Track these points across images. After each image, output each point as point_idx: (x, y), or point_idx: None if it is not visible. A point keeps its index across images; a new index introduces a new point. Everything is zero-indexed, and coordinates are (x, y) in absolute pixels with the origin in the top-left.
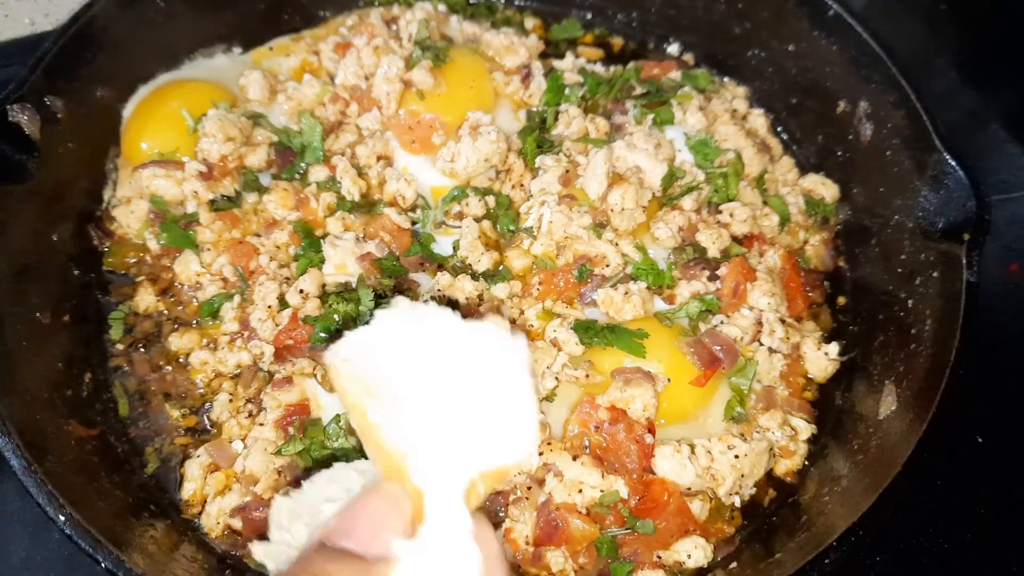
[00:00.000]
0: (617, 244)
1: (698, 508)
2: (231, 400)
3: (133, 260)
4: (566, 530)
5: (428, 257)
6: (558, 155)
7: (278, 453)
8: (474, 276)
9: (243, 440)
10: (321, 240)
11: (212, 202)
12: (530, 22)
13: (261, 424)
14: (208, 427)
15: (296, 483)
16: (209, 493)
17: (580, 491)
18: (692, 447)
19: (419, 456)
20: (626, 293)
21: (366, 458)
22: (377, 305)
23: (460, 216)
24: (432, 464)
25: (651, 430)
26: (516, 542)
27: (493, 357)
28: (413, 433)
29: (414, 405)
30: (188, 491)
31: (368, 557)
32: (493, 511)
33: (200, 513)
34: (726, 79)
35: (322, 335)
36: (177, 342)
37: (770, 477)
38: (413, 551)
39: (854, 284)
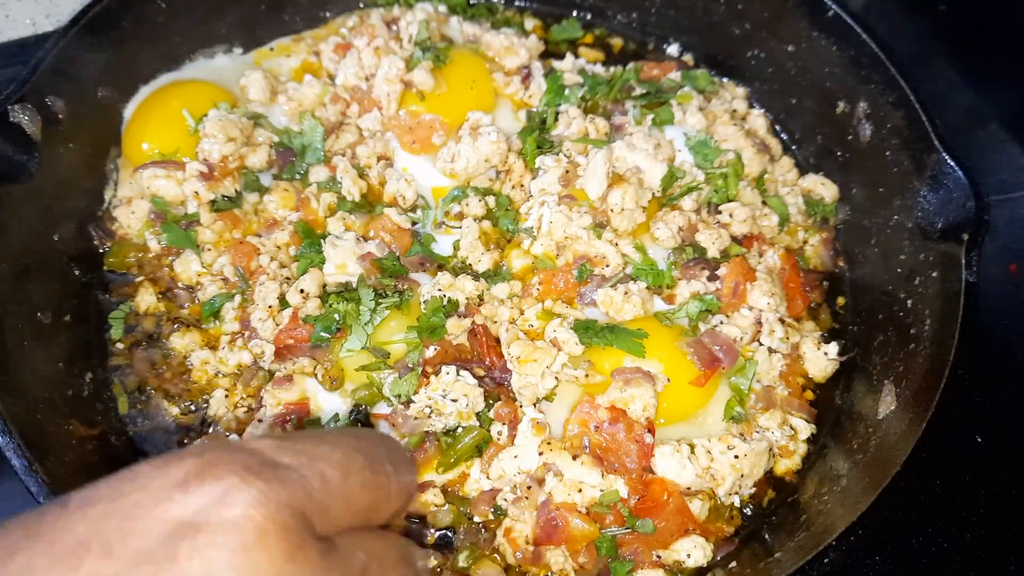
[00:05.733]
0: (617, 244)
1: (698, 508)
2: (227, 396)
3: (134, 260)
4: (566, 529)
5: (428, 257)
6: (558, 155)
7: None
8: (474, 276)
9: (239, 435)
10: (322, 240)
11: (213, 202)
12: (530, 23)
13: (260, 420)
14: (206, 424)
15: None
16: None
17: (580, 491)
18: (692, 447)
19: None
20: (626, 293)
21: None
22: (377, 305)
23: (460, 216)
24: None
25: (651, 430)
26: (516, 541)
27: None
28: None
29: None
30: None
31: None
32: (492, 510)
33: None
34: (726, 79)
35: (323, 334)
36: (178, 342)
37: (770, 477)
38: None
39: (853, 284)
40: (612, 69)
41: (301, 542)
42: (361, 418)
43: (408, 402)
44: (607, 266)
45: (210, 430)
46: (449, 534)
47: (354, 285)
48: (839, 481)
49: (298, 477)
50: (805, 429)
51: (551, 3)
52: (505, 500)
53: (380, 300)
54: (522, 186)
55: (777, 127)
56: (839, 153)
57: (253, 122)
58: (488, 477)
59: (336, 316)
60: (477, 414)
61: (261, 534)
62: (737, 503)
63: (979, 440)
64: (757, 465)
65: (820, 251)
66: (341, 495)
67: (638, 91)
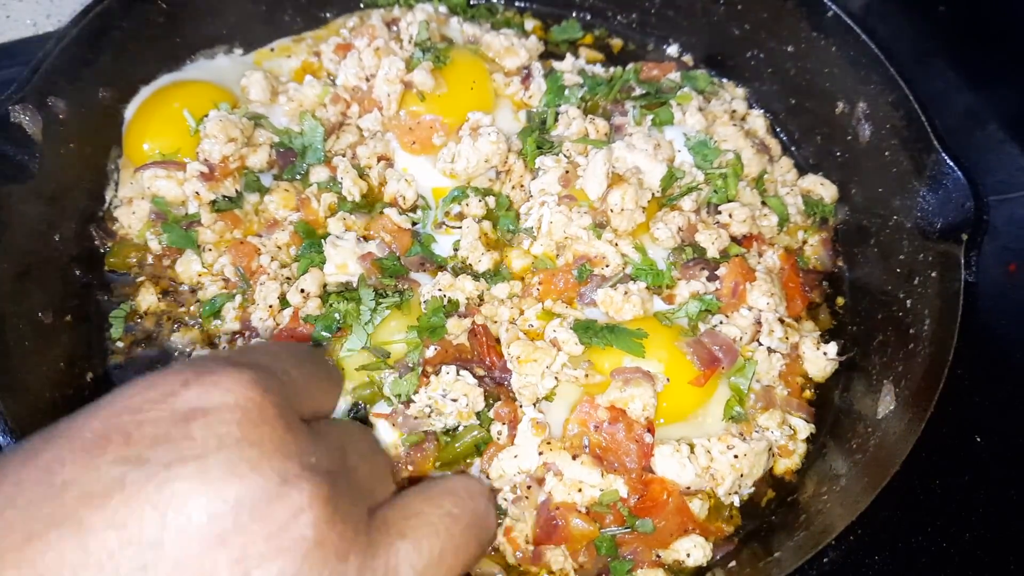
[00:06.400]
0: (617, 244)
1: (697, 507)
2: None
3: (135, 260)
4: (566, 529)
5: (428, 257)
6: (558, 156)
7: None
8: (474, 276)
9: None
10: (322, 240)
11: (213, 203)
12: (530, 23)
13: None
14: None
15: None
16: None
17: (580, 490)
18: (691, 447)
19: None
20: (626, 293)
21: None
22: (378, 305)
23: (460, 216)
24: None
25: (650, 430)
26: (516, 541)
27: None
28: None
29: None
30: None
31: None
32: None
33: None
34: (725, 80)
35: (323, 334)
36: (179, 342)
37: (769, 476)
38: None
39: (853, 284)
40: (612, 70)
41: (293, 418)
42: (361, 416)
43: (408, 401)
44: (607, 266)
45: None
46: None
47: (354, 285)
48: (838, 481)
49: (269, 372)
50: (804, 429)
51: (551, 4)
52: (505, 500)
53: (380, 300)
54: (522, 186)
55: (776, 127)
56: (838, 153)
57: (254, 122)
58: (488, 477)
59: (336, 316)
60: (477, 414)
61: (261, 411)
62: (737, 503)
63: (978, 440)
64: (756, 465)
65: (819, 251)
66: (300, 387)
67: (638, 91)
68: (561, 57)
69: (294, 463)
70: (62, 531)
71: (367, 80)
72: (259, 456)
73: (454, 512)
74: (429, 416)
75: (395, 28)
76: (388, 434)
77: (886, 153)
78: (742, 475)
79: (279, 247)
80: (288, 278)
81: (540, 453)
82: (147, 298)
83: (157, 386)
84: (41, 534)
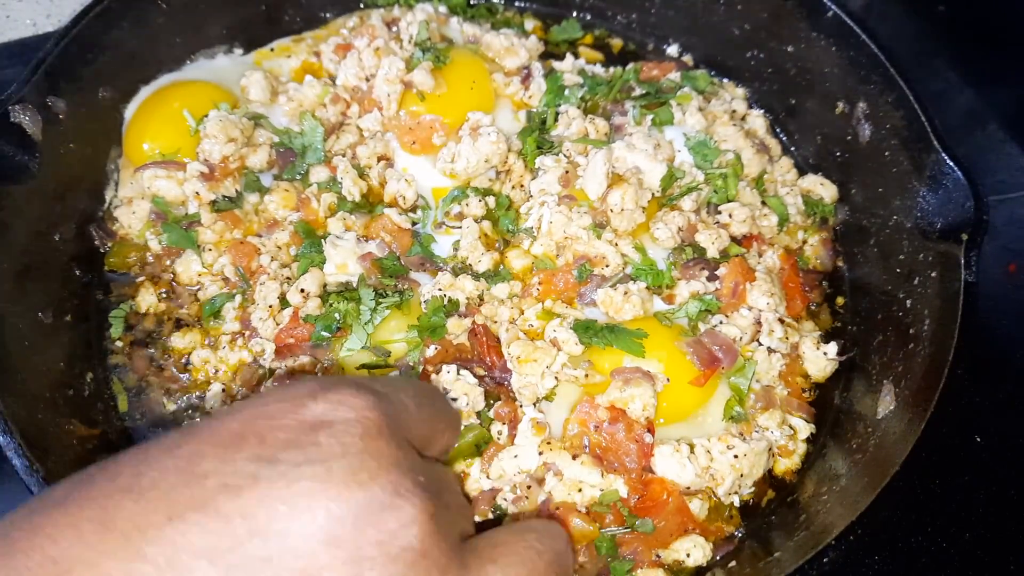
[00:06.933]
0: (616, 244)
1: (697, 507)
2: (225, 391)
3: (135, 260)
4: (566, 529)
5: (428, 257)
6: (558, 156)
7: None
8: (474, 276)
9: None
10: (322, 240)
11: (213, 203)
12: (530, 23)
13: None
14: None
15: None
16: None
17: (580, 490)
18: (691, 447)
19: None
20: (626, 293)
21: None
22: (378, 304)
23: (460, 216)
24: None
25: (650, 429)
26: None
27: None
28: None
29: None
30: None
31: None
32: (492, 509)
33: None
34: (725, 80)
35: (323, 334)
36: (179, 342)
37: (769, 476)
38: None
39: (853, 284)
40: (612, 70)
41: (406, 441)
42: None
43: None
44: (607, 266)
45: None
46: None
47: (354, 285)
48: (838, 481)
49: (388, 400)
50: (804, 429)
51: (551, 4)
52: (505, 500)
53: (380, 300)
54: (522, 186)
55: (776, 127)
56: (838, 153)
57: (254, 122)
58: (488, 477)
59: (336, 315)
60: (477, 413)
61: (379, 429)
62: (737, 503)
63: (978, 440)
64: (756, 465)
65: (819, 251)
66: (415, 421)
67: (638, 91)
68: (561, 57)
69: (407, 479)
70: (200, 515)
71: (367, 80)
72: (377, 467)
73: (537, 547)
74: None
75: (395, 28)
76: None
77: (886, 153)
78: (742, 475)
79: (279, 247)
80: (288, 278)
81: (540, 453)
82: (147, 298)
83: (288, 398)
84: (182, 515)
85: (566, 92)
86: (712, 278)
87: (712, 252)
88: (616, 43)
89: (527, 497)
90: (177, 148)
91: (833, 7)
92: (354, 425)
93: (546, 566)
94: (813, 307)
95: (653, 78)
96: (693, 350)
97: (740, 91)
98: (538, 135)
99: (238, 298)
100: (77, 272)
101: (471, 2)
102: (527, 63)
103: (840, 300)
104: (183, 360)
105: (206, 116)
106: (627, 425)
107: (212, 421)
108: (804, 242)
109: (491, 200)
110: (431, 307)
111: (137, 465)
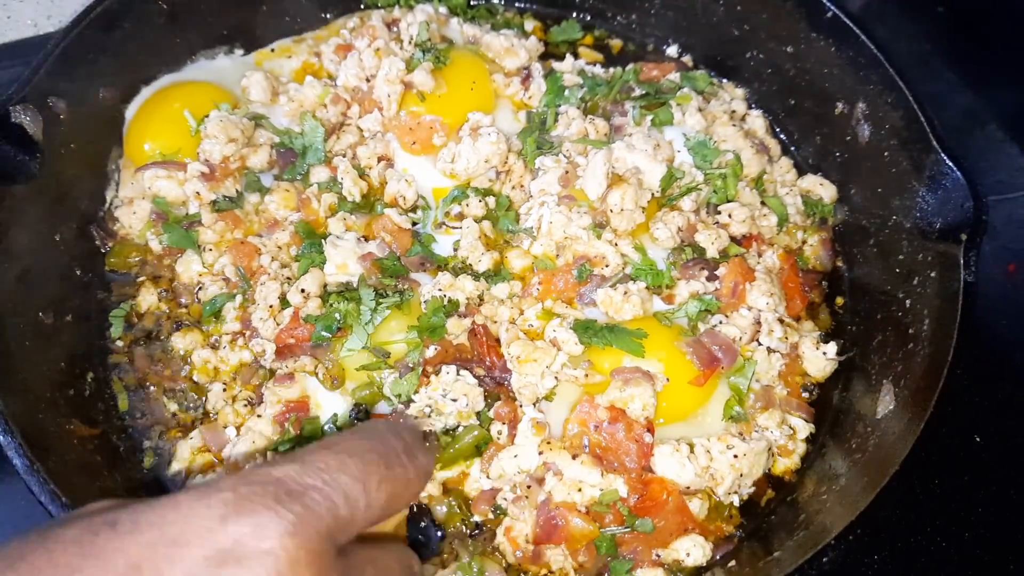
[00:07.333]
0: (616, 244)
1: (697, 507)
2: (226, 390)
3: (135, 260)
4: (566, 528)
5: (429, 257)
6: (558, 156)
7: (275, 449)
8: (475, 276)
9: (237, 428)
10: (322, 240)
11: (214, 203)
12: (530, 24)
13: (259, 416)
14: (207, 415)
15: None
16: (193, 471)
17: (580, 490)
18: (691, 446)
19: None
20: (625, 293)
21: None
22: (378, 304)
23: (460, 217)
24: None
25: (650, 429)
26: (516, 540)
27: None
28: None
29: None
30: (174, 469)
31: None
32: (492, 509)
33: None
34: (725, 80)
35: (324, 334)
36: (180, 342)
37: (768, 476)
38: None
39: (852, 284)
40: (612, 70)
41: (327, 566)
42: (361, 417)
43: (408, 401)
44: (607, 266)
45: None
46: (435, 532)
47: (355, 285)
48: (838, 480)
49: (323, 499)
50: (804, 428)
51: (551, 4)
52: (505, 499)
53: (381, 300)
54: (522, 186)
55: (776, 128)
56: (838, 154)
57: (254, 123)
58: (488, 476)
59: (337, 316)
60: (477, 413)
61: (294, 562)
62: (736, 502)
63: (977, 440)
64: (756, 464)
65: (819, 251)
66: (362, 504)
67: (637, 92)
68: (561, 58)
69: None
70: None
71: (367, 80)
72: None
73: None
74: (429, 416)
75: (395, 29)
76: None
77: (885, 153)
78: (741, 475)
79: (279, 247)
80: (288, 278)
81: (540, 453)
82: (147, 298)
83: (196, 514)
84: None
85: (566, 92)
86: (712, 278)
87: (712, 252)
88: (616, 44)
89: (527, 497)
90: (178, 148)
91: (832, 8)
92: (267, 559)
93: None
94: (812, 307)
95: (653, 78)
96: (693, 350)
97: (740, 91)
98: (538, 135)
99: (238, 298)
100: (78, 272)
101: (471, 3)
102: (527, 64)
103: (840, 300)
104: (184, 359)
105: (207, 116)
106: (627, 425)
107: (112, 537)
108: (804, 242)
109: (491, 200)
110: (431, 307)
111: None
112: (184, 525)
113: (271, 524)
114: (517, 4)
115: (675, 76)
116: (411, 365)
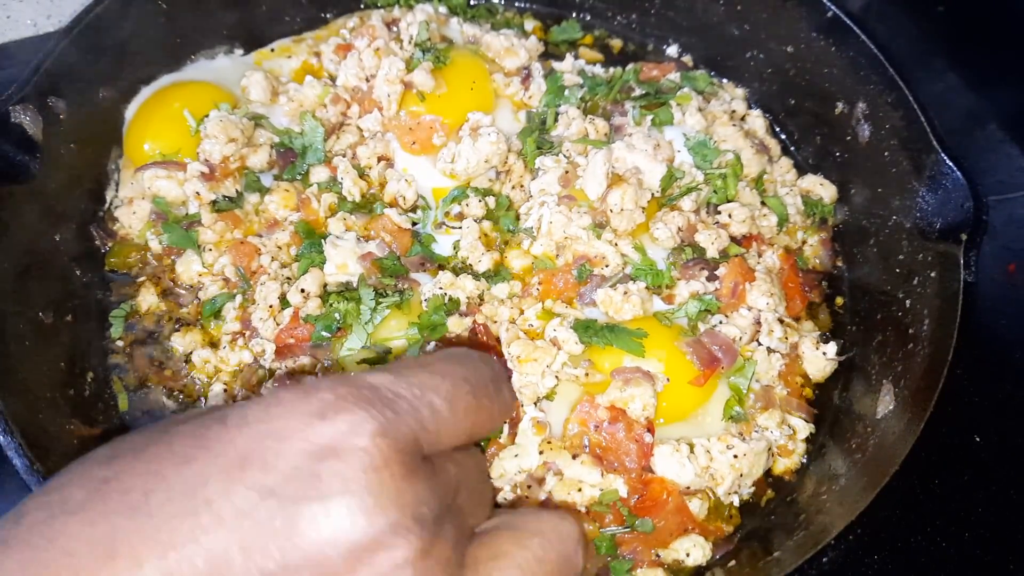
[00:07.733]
0: (616, 244)
1: (697, 507)
2: (227, 390)
3: (135, 260)
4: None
5: (429, 257)
6: (558, 156)
7: None
8: (475, 276)
9: None
10: (322, 240)
11: (214, 203)
12: (530, 24)
13: None
14: None
15: None
16: None
17: (579, 490)
18: (691, 446)
19: None
20: (625, 293)
21: None
22: (378, 304)
23: (460, 217)
24: None
25: (650, 429)
26: None
27: None
28: None
29: None
30: None
31: None
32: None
33: None
34: (725, 80)
35: (324, 334)
36: (180, 342)
37: (768, 476)
38: None
39: (852, 284)
40: (612, 70)
41: (415, 466)
42: None
43: None
44: (607, 266)
45: None
46: None
47: (355, 285)
48: (838, 480)
49: (412, 410)
50: (804, 429)
51: (551, 4)
52: (505, 499)
53: (380, 299)
54: (522, 186)
55: (776, 128)
56: (838, 154)
57: (254, 123)
58: (488, 476)
59: (337, 315)
60: None
61: (385, 460)
62: (736, 502)
63: (977, 440)
64: (756, 464)
65: (819, 251)
66: (448, 423)
67: (637, 92)
68: (561, 57)
69: (407, 516)
70: (195, 547)
71: (367, 80)
72: (374, 505)
73: (540, 555)
74: None
75: (395, 28)
76: None
77: (885, 153)
78: (741, 475)
79: (279, 247)
80: (288, 278)
81: (540, 452)
82: (147, 298)
83: (297, 411)
84: (183, 546)
85: (566, 92)
86: (712, 278)
87: (712, 252)
88: (616, 43)
89: (527, 496)
90: (178, 148)
91: (832, 7)
92: (360, 456)
93: (548, 575)
94: (812, 307)
95: (653, 78)
96: (693, 350)
97: (740, 91)
98: (538, 135)
99: (238, 298)
100: (78, 272)
101: (471, 2)
102: (527, 63)
103: (839, 300)
104: (184, 359)
105: (206, 116)
106: (627, 425)
107: (222, 431)
108: (804, 242)
109: (491, 200)
110: (432, 305)
111: (147, 481)
112: (287, 420)
113: (365, 424)
114: (517, 4)
115: (675, 76)
116: None
